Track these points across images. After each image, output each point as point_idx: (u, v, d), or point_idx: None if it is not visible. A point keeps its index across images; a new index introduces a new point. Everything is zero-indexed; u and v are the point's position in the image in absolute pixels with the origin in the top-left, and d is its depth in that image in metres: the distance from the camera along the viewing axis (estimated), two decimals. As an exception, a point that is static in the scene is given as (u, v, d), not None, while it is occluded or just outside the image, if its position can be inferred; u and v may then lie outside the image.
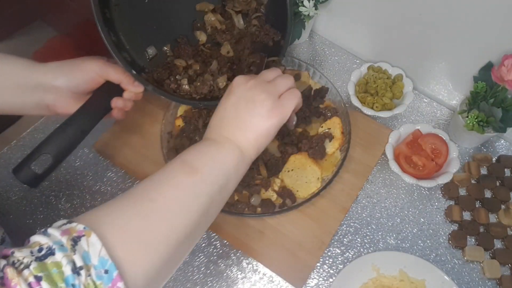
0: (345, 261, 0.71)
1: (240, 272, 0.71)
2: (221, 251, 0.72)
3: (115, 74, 0.62)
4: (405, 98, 0.83)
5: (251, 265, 0.71)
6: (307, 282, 0.70)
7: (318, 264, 0.71)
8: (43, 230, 0.38)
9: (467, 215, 0.75)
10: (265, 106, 0.52)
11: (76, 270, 0.35)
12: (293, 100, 0.55)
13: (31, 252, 0.36)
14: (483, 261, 0.71)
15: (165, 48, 0.72)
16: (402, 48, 0.86)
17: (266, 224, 0.73)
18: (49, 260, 0.35)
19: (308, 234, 0.72)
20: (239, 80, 0.55)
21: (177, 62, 0.70)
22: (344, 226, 0.74)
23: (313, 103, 0.80)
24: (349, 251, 0.72)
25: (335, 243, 0.73)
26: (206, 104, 0.68)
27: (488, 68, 0.74)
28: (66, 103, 0.60)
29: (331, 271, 0.71)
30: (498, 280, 0.70)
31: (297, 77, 0.84)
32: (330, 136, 0.77)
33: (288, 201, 0.72)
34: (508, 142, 0.84)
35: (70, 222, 0.39)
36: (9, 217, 0.74)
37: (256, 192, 0.72)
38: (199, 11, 0.74)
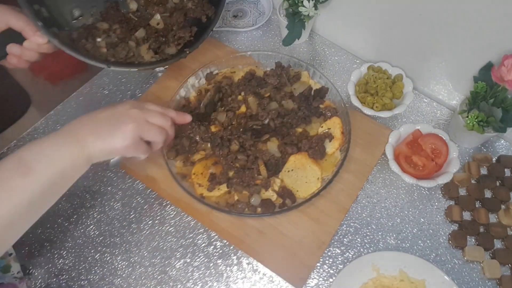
0: (345, 261, 0.71)
1: (240, 272, 0.71)
2: (221, 251, 0.72)
3: (16, 21, 0.62)
4: (405, 98, 0.83)
5: (251, 265, 0.71)
6: (307, 282, 0.70)
7: (318, 264, 0.71)
8: None
9: (467, 215, 0.75)
10: (126, 137, 0.58)
11: None
12: (144, 152, 0.63)
13: None
14: (483, 261, 0.71)
15: (92, 11, 0.72)
16: (402, 48, 0.86)
17: (266, 224, 0.73)
18: None
19: (308, 234, 0.72)
20: (126, 102, 0.62)
21: (100, 24, 0.71)
22: (344, 226, 0.74)
23: (313, 103, 0.80)
24: (349, 251, 0.72)
25: (335, 243, 0.73)
26: (115, 67, 0.70)
27: (488, 68, 0.74)
28: None
29: (331, 271, 0.71)
30: (498, 280, 0.69)
31: (297, 77, 0.84)
32: (330, 136, 0.77)
33: (288, 201, 0.72)
34: (508, 142, 0.84)
35: None
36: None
37: (256, 192, 0.72)
38: None
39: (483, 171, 0.80)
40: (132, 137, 0.58)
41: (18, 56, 0.65)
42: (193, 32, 0.76)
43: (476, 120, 0.73)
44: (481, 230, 0.74)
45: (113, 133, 0.58)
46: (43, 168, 0.52)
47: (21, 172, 0.50)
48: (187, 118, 0.70)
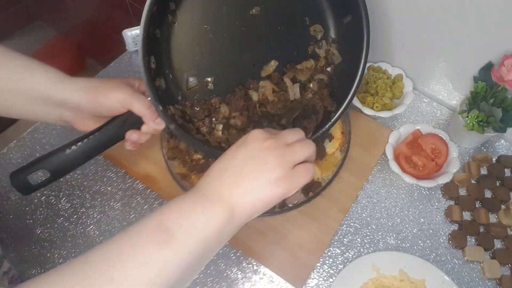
0: (345, 261, 0.71)
1: (240, 272, 0.71)
2: (221, 251, 0.72)
3: (140, 108, 0.59)
4: (405, 98, 0.83)
5: (251, 265, 0.71)
6: (307, 282, 0.70)
7: (318, 264, 0.71)
8: None
9: (467, 215, 0.75)
10: (276, 173, 0.47)
11: None
12: (306, 177, 0.50)
13: None
14: (483, 261, 0.71)
15: (208, 79, 0.67)
16: (402, 48, 0.86)
17: (266, 224, 0.73)
18: None
19: (308, 234, 0.72)
20: (256, 135, 0.50)
21: (222, 107, 0.67)
22: (344, 226, 0.74)
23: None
24: (349, 251, 0.72)
25: (335, 243, 0.73)
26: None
27: (488, 68, 0.74)
28: (84, 123, 0.60)
29: (331, 271, 0.71)
30: (498, 280, 0.69)
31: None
32: (330, 136, 0.77)
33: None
34: (508, 142, 0.84)
35: None
36: (9, 217, 0.74)
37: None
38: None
39: (483, 171, 0.80)
40: (283, 172, 0.47)
41: (135, 142, 0.62)
42: (318, 120, 0.70)
43: (476, 120, 0.73)
44: (481, 230, 0.74)
45: (259, 179, 0.47)
46: (186, 236, 0.43)
47: (161, 242, 0.41)
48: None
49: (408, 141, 0.80)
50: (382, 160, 0.81)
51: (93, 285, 0.37)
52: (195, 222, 0.44)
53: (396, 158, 0.77)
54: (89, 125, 0.60)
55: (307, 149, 0.51)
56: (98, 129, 0.59)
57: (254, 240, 0.72)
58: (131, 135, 0.61)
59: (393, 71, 0.87)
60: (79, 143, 0.58)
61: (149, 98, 0.59)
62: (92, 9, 1.60)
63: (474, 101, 0.75)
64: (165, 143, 0.76)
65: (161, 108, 0.59)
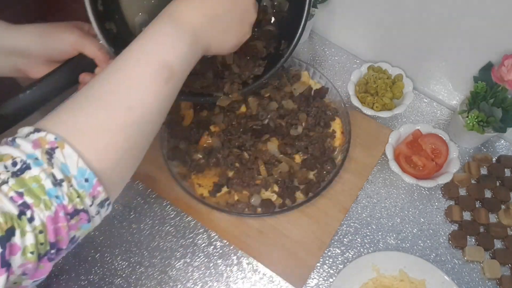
0: (345, 261, 0.71)
1: (240, 272, 0.71)
2: (221, 251, 0.72)
3: (91, 49, 0.59)
4: (405, 98, 0.83)
5: (251, 265, 0.71)
6: (307, 282, 0.69)
7: (318, 264, 0.71)
8: (10, 139, 0.38)
9: (467, 215, 0.75)
10: (251, 19, 0.54)
11: (57, 182, 0.36)
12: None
13: (5, 167, 0.35)
14: (483, 261, 0.71)
15: None
16: (402, 48, 0.86)
17: (266, 224, 0.73)
18: (26, 175, 0.35)
19: (308, 234, 0.72)
20: None
21: None
22: (344, 226, 0.74)
23: (313, 103, 0.80)
24: (349, 251, 0.72)
25: (335, 243, 0.73)
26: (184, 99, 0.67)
27: (488, 68, 0.74)
28: (37, 69, 0.60)
29: (331, 271, 0.71)
30: (498, 280, 0.69)
31: (297, 77, 0.84)
32: (332, 136, 0.77)
33: (288, 201, 0.72)
34: (508, 142, 0.84)
35: (37, 131, 0.39)
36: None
37: (256, 192, 0.72)
38: None
39: (483, 171, 0.80)
40: (253, 16, 0.54)
41: None
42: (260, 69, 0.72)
43: (476, 120, 0.73)
44: (481, 230, 0.74)
45: (235, 11, 0.52)
46: (182, 70, 0.48)
47: (166, 78, 0.45)
48: None
49: (408, 141, 0.80)
50: (382, 160, 0.81)
51: (115, 114, 0.42)
52: (186, 55, 0.48)
53: (396, 158, 0.77)
54: (42, 71, 0.59)
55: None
56: (51, 73, 0.59)
57: (254, 240, 0.72)
58: (84, 78, 0.61)
59: (393, 71, 0.87)
60: (33, 88, 0.58)
61: (101, 41, 0.59)
62: (92, 9, 1.59)
63: (474, 101, 0.75)
64: (165, 143, 0.76)
65: (113, 50, 0.59)
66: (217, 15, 0.50)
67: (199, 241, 0.73)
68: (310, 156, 0.76)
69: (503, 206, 0.76)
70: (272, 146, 0.76)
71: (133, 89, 0.44)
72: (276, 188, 0.73)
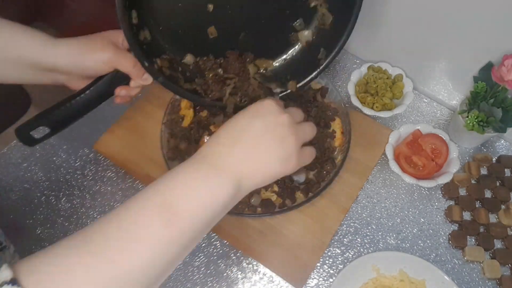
0: (345, 261, 0.71)
1: (240, 272, 0.71)
2: (221, 251, 0.72)
3: (125, 66, 0.60)
4: (405, 98, 0.83)
5: (251, 265, 0.71)
6: (307, 282, 0.70)
7: (318, 264, 0.71)
8: None
9: (467, 215, 0.75)
10: (289, 150, 0.47)
11: None
12: (311, 158, 0.51)
13: None
14: (483, 261, 0.71)
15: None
16: (402, 48, 0.86)
17: (266, 224, 0.73)
18: None
19: (308, 234, 0.72)
20: (271, 106, 0.48)
21: (209, 72, 0.66)
22: (344, 226, 0.74)
23: (313, 103, 0.80)
24: (349, 251, 0.72)
25: (335, 243, 0.73)
26: (218, 104, 0.65)
27: (488, 68, 0.74)
28: (78, 84, 0.62)
29: (331, 271, 0.71)
30: (498, 280, 0.69)
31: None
32: (332, 135, 0.77)
33: (288, 201, 0.72)
34: (508, 142, 0.84)
35: (14, 282, 0.33)
36: (9, 217, 0.74)
37: (256, 192, 0.72)
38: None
39: (483, 171, 0.80)
40: (297, 150, 0.47)
41: (124, 97, 0.63)
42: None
43: (476, 120, 0.73)
44: (481, 230, 0.74)
45: (276, 155, 0.46)
46: (191, 214, 0.41)
47: (165, 221, 0.39)
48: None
49: (408, 141, 0.80)
50: (382, 160, 0.81)
51: (94, 267, 0.36)
52: (201, 199, 0.42)
53: (396, 158, 0.77)
54: (82, 85, 0.61)
55: (313, 129, 0.53)
56: (87, 87, 0.61)
57: (254, 240, 0.72)
58: (120, 92, 0.62)
59: (393, 71, 0.87)
60: (73, 101, 0.60)
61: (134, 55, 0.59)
62: (93, 9, 1.60)
63: (474, 101, 0.75)
64: (165, 143, 0.76)
65: (146, 64, 0.58)
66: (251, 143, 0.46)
67: (199, 241, 0.73)
68: None
69: (503, 206, 0.76)
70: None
71: (122, 236, 0.38)
72: (276, 188, 0.73)
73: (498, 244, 0.73)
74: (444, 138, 0.78)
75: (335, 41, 0.67)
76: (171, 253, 0.40)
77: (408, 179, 0.74)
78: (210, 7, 0.63)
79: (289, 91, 0.68)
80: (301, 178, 0.57)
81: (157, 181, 0.42)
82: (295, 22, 0.67)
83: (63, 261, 0.36)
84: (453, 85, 0.85)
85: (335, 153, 0.77)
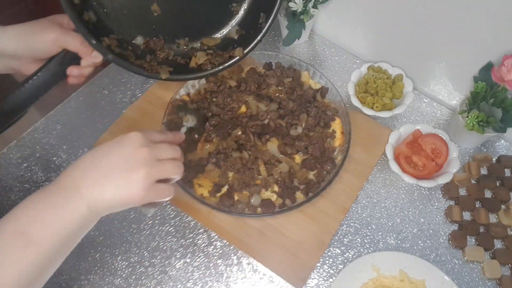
0: (345, 261, 0.71)
1: (240, 272, 0.71)
2: (221, 251, 0.72)
3: (73, 45, 0.61)
4: (405, 98, 0.83)
5: (251, 265, 0.71)
6: (307, 282, 0.69)
7: (318, 264, 0.71)
8: None
9: (467, 215, 0.75)
10: (139, 184, 0.50)
11: None
12: (163, 196, 0.53)
13: None
14: (483, 261, 0.71)
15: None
16: (402, 48, 0.86)
17: (266, 224, 0.73)
18: None
19: (308, 234, 0.72)
20: (134, 138, 0.52)
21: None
22: (344, 226, 0.74)
23: (313, 103, 0.80)
24: (349, 251, 0.72)
25: (335, 243, 0.73)
26: (170, 78, 0.67)
27: (488, 68, 0.74)
28: (29, 67, 0.62)
29: (331, 271, 0.71)
30: (498, 280, 0.69)
31: (297, 77, 0.84)
32: (332, 135, 0.78)
33: (288, 201, 0.72)
34: (508, 142, 0.84)
35: None
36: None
37: (256, 192, 0.72)
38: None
39: (483, 171, 0.80)
40: (146, 185, 0.50)
41: (77, 76, 0.64)
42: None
43: (476, 120, 0.73)
44: (481, 230, 0.74)
45: (123, 184, 0.49)
46: (45, 238, 0.45)
47: (21, 244, 0.44)
48: (182, 136, 0.63)
49: (408, 141, 0.80)
50: (382, 160, 0.81)
51: None
52: (53, 222, 0.46)
53: (396, 158, 0.77)
54: (34, 69, 0.62)
55: (177, 169, 0.55)
56: (39, 69, 0.61)
57: (254, 240, 0.72)
58: (72, 71, 0.63)
59: (393, 71, 0.87)
60: (26, 84, 0.61)
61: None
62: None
63: (474, 101, 0.75)
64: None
65: (94, 42, 0.60)
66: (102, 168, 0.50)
67: (199, 241, 0.73)
68: (310, 156, 0.76)
69: (503, 206, 0.76)
70: (272, 146, 0.76)
71: None
72: (276, 188, 0.73)
73: (498, 244, 0.73)
74: (444, 138, 0.78)
75: (273, 3, 0.70)
76: (32, 271, 0.44)
77: (408, 179, 0.74)
78: None
79: (237, 57, 0.71)
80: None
81: (12, 210, 0.47)
82: None
83: None
84: (453, 85, 0.85)
85: (335, 153, 0.77)
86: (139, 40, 0.69)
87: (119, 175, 0.49)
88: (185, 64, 0.71)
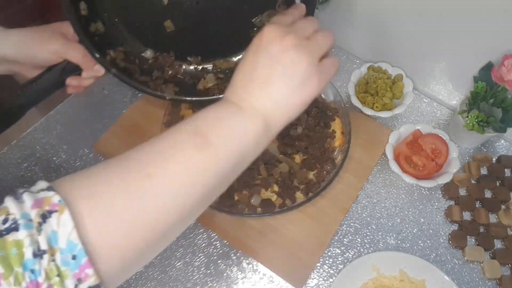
0: (345, 261, 0.71)
1: (240, 272, 0.71)
2: (221, 251, 0.72)
3: (74, 57, 0.60)
4: (405, 98, 0.83)
5: (251, 265, 0.71)
6: (307, 282, 0.69)
7: (318, 264, 0.71)
8: (21, 191, 0.35)
9: (467, 215, 0.75)
10: (305, 73, 0.44)
11: (38, 253, 0.30)
12: (334, 69, 0.47)
13: None
14: (483, 261, 0.71)
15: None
16: (402, 48, 0.86)
17: (266, 224, 0.73)
18: (10, 237, 0.30)
19: (308, 234, 0.72)
20: (271, 34, 0.44)
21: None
22: (344, 226, 0.74)
23: (313, 103, 0.80)
24: (349, 251, 0.72)
25: (335, 243, 0.73)
26: (175, 99, 0.64)
27: (488, 68, 0.74)
28: (31, 73, 0.61)
29: (331, 271, 0.71)
30: (498, 280, 0.69)
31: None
32: (332, 135, 0.78)
33: (288, 201, 0.72)
34: (508, 142, 0.84)
35: (50, 189, 0.35)
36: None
37: (256, 192, 0.72)
38: None
39: (483, 171, 0.80)
40: (315, 70, 0.44)
41: (76, 86, 0.63)
42: None
43: (476, 120, 0.73)
44: (481, 230, 0.74)
45: (292, 83, 0.43)
46: (222, 141, 0.41)
47: (198, 145, 0.40)
48: (302, 6, 0.53)
49: (408, 141, 0.80)
50: (382, 160, 0.81)
51: (131, 180, 0.37)
52: (232, 131, 0.42)
53: (396, 158, 0.77)
54: (36, 74, 0.61)
55: (329, 38, 0.47)
56: (38, 76, 0.60)
57: (254, 240, 0.72)
58: (71, 82, 0.62)
59: (393, 71, 0.87)
60: (24, 89, 0.60)
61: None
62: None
63: (474, 101, 0.75)
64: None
65: (97, 55, 0.58)
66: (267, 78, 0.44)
67: (199, 241, 0.73)
68: (310, 156, 0.76)
69: (503, 206, 0.76)
70: (272, 146, 0.76)
71: (157, 155, 0.39)
72: (276, 188, 0.73)
73: (498, 244, 0.73)
74: (444, 138, 0.78)
75: None
76: (205, 178, 0.40)
77: (408, 179, 0.74)
78: (165, 0, 0.63)
79: None
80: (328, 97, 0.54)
81: (189, 117, 0.44)
82: (255, 18, 0.66)
83: (101, 176, 0.37)
84: (453, 85, 0.85)
85: (335, 153, 0.77)
86: (148, 54, 0.66)
87: (282, 77, 0.44)
88: (193, 85, 0.67)
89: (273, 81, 0.44)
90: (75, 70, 0.61)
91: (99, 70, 0.61)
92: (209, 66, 0.68)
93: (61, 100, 0.88)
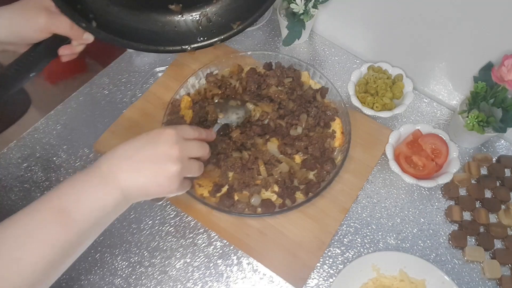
0: (345, 261, 0.71)
1: (240, 272, 0.71)
2: (221, 251, 0.72)
3: (63, 30, 0.61)
4: (405, 98, 0.83)
5: (251, 265, 0.71)
6: (307, 282, 0.69)
7: (318, 264, 0.71)
8: None
9: (467, 215, 0.75)
10: (168, 180, 0.54)
11: None
12: (183, 190, 0.58)
13: None
14: (483, 261, 0.71)
15: None
16: (402, 48, 0.86)
17: (266, 224, 0.73)
18: None
19: (308, 234, 0.72)
20: (168, 136, 0.55)
21: None
22: (344, 226, 0.74)
23: (313, 103, 0.80)
24: (349, 251, 0.72)
25: (335, 243, 0.73)
26: (167, 50, 0.67)
27: (488, 68, 0.74)
28: (25, 48, 0.63)
29: (331, 271, 0.71)
30: (498, 280, 0.69)
31: (297, 77, 0.84)
32: (332, 136, 0.78)
33: (288, 201, 0.72)
34: (508, 142, 0.84)
35: None
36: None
37: (256, 192, 0.72)
38: None
39: (483, 171, 0.80)
40: (175, 180, 0.54)
41: (70, 54, 0.65)
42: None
43: (476, 120, 0.73)
44: (481, 230, 0.74)
45: (154, 178, 0.53)
46: (84, 217, 0.48)
47: (63, 224, 0.47)
48: (213, 135, 0.66)
49: (408, 141, 0.80)
50: (382, 160, 0.81)
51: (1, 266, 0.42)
52: (94, 204, 0.50)
53: (396, 158, 0.77)
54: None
55: (200, 169, 0.60)
56: (30, 51, 0.61)
57: (254, 240, 0.72)
58: (64, 51, 0.64)
59: (393, 71, 0.87)
60: (17, 66, 0.61)
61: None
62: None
63: (474, 101, 0.75)
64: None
65: (84, 25, 0.60)
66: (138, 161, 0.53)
67: (199, 241, 0.73)
68: (310, 156, 0.76)
69: (503, 206, 0.76)
70: (272, 146, 0.76)
71: (25, 239, 0.45)
72: (276, 188, 0.73)
73: (498, 244, 0.73)
74: (444, 138, 0.78)
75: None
76: (69, 249, 0.48)
77: (408, 179, 0.74)
78: None
79: (235, 30, 0.73)
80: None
81: (53, 188, 0.50)
82: None
83: None
84: (453, 85, 0.85)
85: (335, 153, 0.77)
86: None
87: (152, 169, 0.53)
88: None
89: (145, 173, 0.53)
90: (65, 40, 0.63)
91: (88, 38, 0.63)
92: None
93: (61, 100, 0.89)
